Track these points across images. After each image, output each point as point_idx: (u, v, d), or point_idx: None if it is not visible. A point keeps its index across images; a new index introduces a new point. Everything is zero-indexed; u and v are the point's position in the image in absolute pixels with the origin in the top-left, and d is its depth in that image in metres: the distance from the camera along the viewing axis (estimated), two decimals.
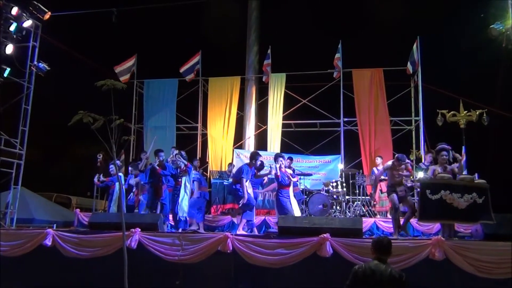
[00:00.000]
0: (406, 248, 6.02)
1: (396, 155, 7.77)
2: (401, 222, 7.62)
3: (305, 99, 13.67)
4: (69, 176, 18.46)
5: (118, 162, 9.94)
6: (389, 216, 10.03)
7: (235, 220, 9.62)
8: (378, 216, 10.33)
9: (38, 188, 15.42)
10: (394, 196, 7.38)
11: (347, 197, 10.73)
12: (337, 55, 13.10)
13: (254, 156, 8.49)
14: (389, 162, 7.71)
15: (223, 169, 12.46)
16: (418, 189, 7.66)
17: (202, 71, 14.24)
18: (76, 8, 12.20)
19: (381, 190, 10.37)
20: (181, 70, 14.10)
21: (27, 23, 10.20)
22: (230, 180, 10.74)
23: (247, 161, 11.80)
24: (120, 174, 10.11)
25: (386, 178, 9.68)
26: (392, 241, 6.44)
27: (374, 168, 10.89)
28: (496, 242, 5.91)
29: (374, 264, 3.90)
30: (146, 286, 6.67)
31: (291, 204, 8.38)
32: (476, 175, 8.45)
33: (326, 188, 10.50)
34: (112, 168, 9.71)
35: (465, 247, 5.92)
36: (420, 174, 9.20)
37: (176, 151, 10.98)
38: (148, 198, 9.11)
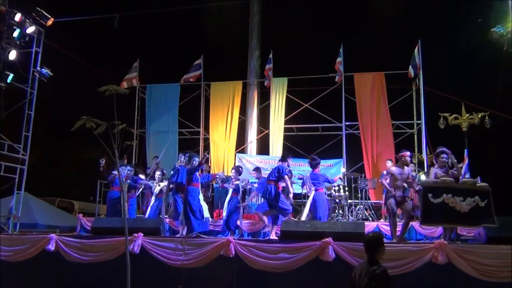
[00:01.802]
0: (409, 252, 6.01)
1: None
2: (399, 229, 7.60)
3: (307, 103, 13.68)
4: (71, 181, 18.51)
5: (129, 167, 9.90)
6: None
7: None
8: (382, 220, 10.30)
9: (41, 193, 15.46)
10: (392, 201, 7.39)
11: (349, 201, 10.71)
12: (339, 59, 13.14)
13: (287, 156, 8.57)
14: (393, 168, 7.70)
15: (227, 174, 12.45)
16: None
17: (204, 76, 14.28)
18: (79, 14, 12.29)
19: None
20: (184, 77, 14.16)
21: (30, 29, 10.28)
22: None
23: (250, 165, 11.92)
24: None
25: None
26: (394, 245, 6.51)
27: (385, 172, 10.84)
28: (499, 245, 5.90)
29: (363, 263, 3.86)
30: None
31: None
32: (478, 178, 8.44)
33: (328, 192, 10.49)
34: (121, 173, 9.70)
35: (468, 251, 5.91)
36: (423, 177, 9.19)
37: (183, 157, 11.03)
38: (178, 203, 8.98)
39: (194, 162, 8.31)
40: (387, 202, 7.50)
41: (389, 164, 10.91)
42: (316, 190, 8.81)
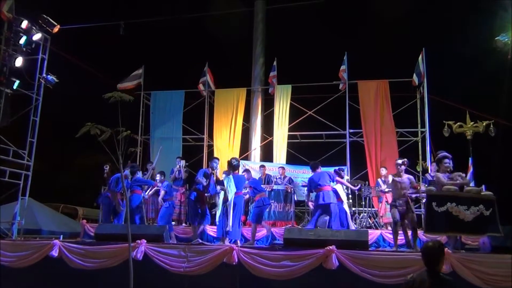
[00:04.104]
0: (412, 261, 5.97)
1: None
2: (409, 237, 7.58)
3: (310, 111, 13.68)
4: (76, 187, 18.56)
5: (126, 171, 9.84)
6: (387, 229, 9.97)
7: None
8: (385, 228, 10.25)
9: (45, 199, 15.52)
10: (395, 210, 7.38)
11: (353, 208, 10.68)
12: (343, 67, 13.14)
13: (317, 166, 8.86)
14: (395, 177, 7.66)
15: None
16: (424, 201, 7.63)
17: (209, 83, 14.33)
18: (85, 21, 12.41)
19: (387, 202, 10.32)
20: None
21: (37, 36, 10.38)
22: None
23: (253, 172, 11.93)
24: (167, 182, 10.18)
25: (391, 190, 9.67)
26: (397, 253, 6.49)
27: (379, 180, 10.85)
28: (504, 254, 5.86)
29: (424, 274, 3.54)
30: None
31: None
32: (483, 187, 8.40)
33: None
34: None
35: (472, 260, 5.88)
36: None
37: (182, 162, 11.06)
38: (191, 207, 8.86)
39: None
40: (391, 211, 7.50)
41: (383, 171, 10.88)
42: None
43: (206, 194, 8.73)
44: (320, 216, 8.44)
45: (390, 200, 10.14)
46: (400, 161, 7.58)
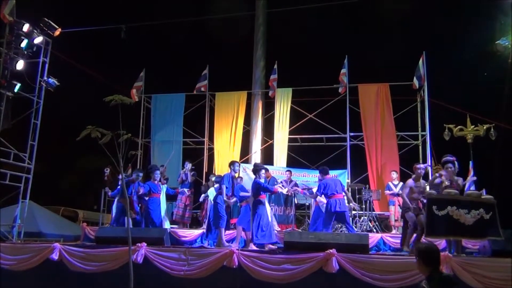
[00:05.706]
0: (413, 264, 5.94)
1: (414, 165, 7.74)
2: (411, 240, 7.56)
3: (311, 114, 13.70)
4: (76, 190, 18.57)
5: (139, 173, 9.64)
6: (398, 232, 9.92)
7: None
8: (394, 231, 10.23)
9: (46, 202, 15.51)
10: (412, 214, 7.33)
11: (353, 212, 10.67)
12: (343, 70, 13.15)
13: (328, 171, 8.98)
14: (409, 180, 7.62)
15: None
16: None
17: (209, 86, 14.35)
18: (86, 25, 12.44)
19: (400, 205, 10.28)
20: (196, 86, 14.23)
21: (38, 40, 10.41)
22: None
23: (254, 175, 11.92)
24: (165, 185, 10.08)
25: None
26: (399, 257, 6.48)
27: (390, 183, 10.81)
28: (504, 258, 5.85)
29: (433, 277, 3.42)
30: None
31: None
32: (483, 190, 8.39)
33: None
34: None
35: (472, 264, 5.88)
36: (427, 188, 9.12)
37: (189, 165, 11.04)
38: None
39: (263, 175, 8.37)
40: (407, 216, 7.41)
41: (394, 175, 10.88)
42: None
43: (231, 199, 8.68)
44: (334, 222, 8.42)
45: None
46: (423, 166, 7.59)
